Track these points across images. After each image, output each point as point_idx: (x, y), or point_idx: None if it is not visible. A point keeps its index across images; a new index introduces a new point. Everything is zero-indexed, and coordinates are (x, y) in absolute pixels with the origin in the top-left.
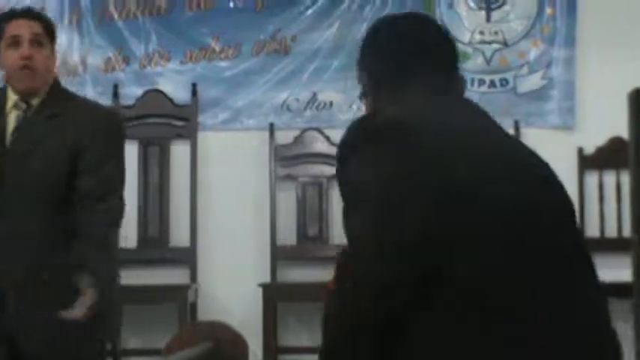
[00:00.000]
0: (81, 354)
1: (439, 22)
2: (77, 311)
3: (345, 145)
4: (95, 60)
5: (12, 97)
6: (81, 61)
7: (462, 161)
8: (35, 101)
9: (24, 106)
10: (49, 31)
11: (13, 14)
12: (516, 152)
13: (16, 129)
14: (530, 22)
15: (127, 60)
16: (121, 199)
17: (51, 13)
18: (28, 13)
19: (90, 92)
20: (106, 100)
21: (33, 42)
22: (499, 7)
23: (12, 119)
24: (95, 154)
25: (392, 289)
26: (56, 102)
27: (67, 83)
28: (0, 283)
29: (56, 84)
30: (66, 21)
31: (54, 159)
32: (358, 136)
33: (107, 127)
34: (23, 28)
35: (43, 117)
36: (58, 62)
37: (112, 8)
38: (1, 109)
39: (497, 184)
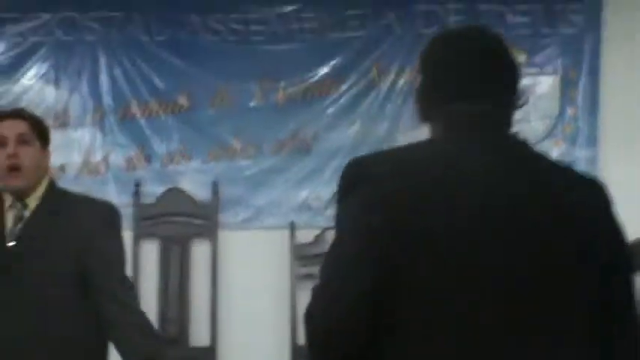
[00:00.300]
0: None
1: (497, 39)
2: None
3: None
4: (117, 158)
5: (8, 198)
6: (103, 159)
7: (411, 210)
8: (30, 200)
9: (19, 205)
10: (36, 130)
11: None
12: (513, 202)
13: (16, 229)
14: (551, 122)
15: (148, 158)
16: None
17: (74, 112)
18: (13, 114)
19: (112, 190)
20: (127, 199)
21: (19, 141)
22: (520, 106)
23: (9, 219)
24: (103, 243)
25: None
26: (53, 201)
27: (89, 182)
28: None
29: (51, 183)
30: (88, 120)
31: (57, 258)
32: (339, 181)
33: (108, 216)
34: (8, 129)
35: (41, 216)
36: (79, 161)
37: (134, 107)
38: None
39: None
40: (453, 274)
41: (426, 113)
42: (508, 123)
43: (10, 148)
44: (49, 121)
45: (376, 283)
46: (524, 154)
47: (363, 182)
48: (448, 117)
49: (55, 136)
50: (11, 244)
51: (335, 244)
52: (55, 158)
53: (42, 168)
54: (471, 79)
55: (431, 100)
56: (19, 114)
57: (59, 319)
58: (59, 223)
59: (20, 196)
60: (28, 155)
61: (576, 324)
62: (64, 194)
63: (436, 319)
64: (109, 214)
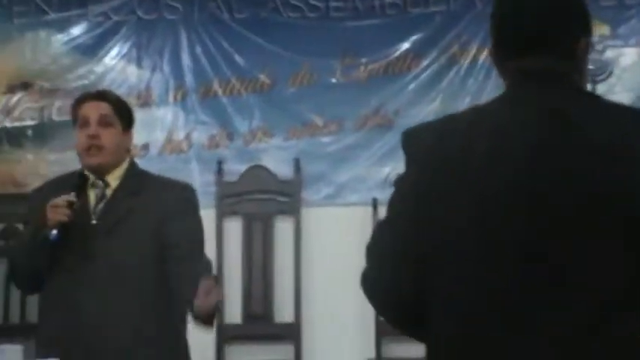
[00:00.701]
0: None
1: None
2: (213, 296)
3: None
4: (199, 136)
5: (91, 177)
6: (185, 137)
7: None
8: (111, 179)
9: (101, 184)
10: (118, 111)
11: (84, 97)
12: (547, 164)
13: (98, 207)
14: (636, 94)
15: (230, 136)
16: None
17: (157, 90)
18: (97, 95)
19: (194, 168)
20: (209, 177)
21: (101, 122)
22: (605, 79)
23: (91, 197)
24: (182, 222)
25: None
26: (133, 181)
27: (172, 160)
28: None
29: (132, 164)
30: (171, 99)
31: (137, 236)
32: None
33: (187, 197)
34: (91, 110)
35: (122, 196)
36: (162, 140)
37: (215, 85)
38: (80, 188)
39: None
40: (488, 240)
41: (499, 74)
42: (569, 75)
43: (92, 129)
44: (132, 101)
45: (418, 245)
46: (584, 111)
47: (412, 151)
48: (508, 75)
49: (138, 115)
50: (94, 222)
51: (387, 208)
52: (138, 137)
53: (122, 149)
54: (530, 32)
55: (497, 59)
56: (102, 96)
57: (141, 296)
58: (139, 203)
59: (101, 175)
60: (108, 136)
61: (609, 283)
62: (144, 175)
63: (472, 278)
64: (187, 195)
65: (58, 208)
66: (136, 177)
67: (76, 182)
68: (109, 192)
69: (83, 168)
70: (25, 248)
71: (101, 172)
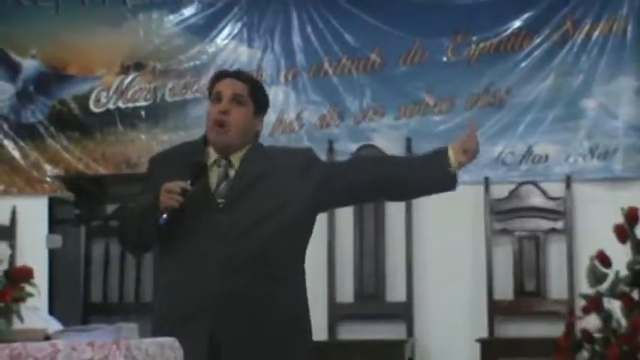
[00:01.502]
0: None
1: None
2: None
3: None
4: (310, 116)
5: (212, 155)
6: (297, 117)
7: None
8: (235, 158)
9: (224, 162)
10: (252, 93)
11: (222, 74)
12: None
13: (221, 187)
14: None
15: (341, 115)
16: None
17: (268, 70)
18: (235, 74)
19: None
20: (321, 156)
21: (233, 100)
22: None
23: (213, 175)
24: (317, 173)
25: None
26: (259, 161)
27: (284, 140)
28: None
29: (257, 146)
30: (282, 79)
31: (265, 208)
32: None
33: (314, 157)
34: (226, 86)
35: (246, 177)
36: (273, 120)
37: (326, 65)
38: (198, 178)
39: None
40: None
41: None
42: None
43: (223, 105)
44: None
45: None
46: None
47: None
48: None
49: None
50: (220, 201)
51: None
52: None
53: (251, 131)
54: None
55: None
56: (239, 75)
57: (273, 279)
58: (264, 175)
59: (225, 154)
60: (238, 114)
61: None
62: (266, 150)
63: None
64: (313, 155)
65: (172, 194)
66: (260, 157)
67: (194, 171)
68: (232, 172)
69: (208, 143)
70: (135, 222)
71: (226, 150)
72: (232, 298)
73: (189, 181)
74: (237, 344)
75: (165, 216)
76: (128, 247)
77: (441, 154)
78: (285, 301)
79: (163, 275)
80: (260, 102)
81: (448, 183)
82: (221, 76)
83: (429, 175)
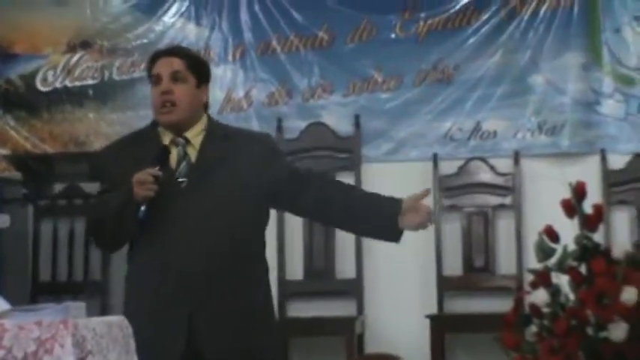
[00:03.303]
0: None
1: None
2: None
3: None
4: (259, 94)
5: (167, 135)
6: (245, 95)
7: None
8: (190, 135)
9: (182, 141)
10: (191, 66)
11: (157, 54)
12: None
13: (182, 166)
14: None
15: (290, 93)
16: None
17: (216, 49)
18: (169, 51)
19: (255, 126)
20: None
21: (172, 78)
22: None
23: (173, 155)
24: (283, 165)
25: None
26: (216, 137)
27: (232, 118)
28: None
29: (210, 119)
30: (230, 57)
31: (229, 186)
32: None
33: (273, 146)
34: (164, 66)
35: (208, 153)
36: (221, 98)
37: (274, 42)
38: (163, 161)
39: None
40: None
41: None
42: None
43: (164, 85)
44: None
45: None
46: None
47: None
48: None
49: None
50: (182, 180)
51: None
52: None
53: (198, 104)
54: None
55: None
56: (173, 51)
57: (232, 247)
58: (225, 158)
59: (178, 132)
60: (180, 91)
61: None
62: (224, 128)
63: None
64: (273, 145)
65: (146, 184)
66: (216, 133)
67: (160, 156)
68: (190, 150)
69: (158, 125)
70: (113, 217)
71: (178, 128)
72: (206, 278)
73: (157, 167)
74: (214, 325)
75: (143, 208)
76: (104, 245)
77: (396, 208)
78: (252, 282)
79: (134, 260)
80: (200, 73)
81: (394, 237)
82: (156, 56)
83: (379, 226)
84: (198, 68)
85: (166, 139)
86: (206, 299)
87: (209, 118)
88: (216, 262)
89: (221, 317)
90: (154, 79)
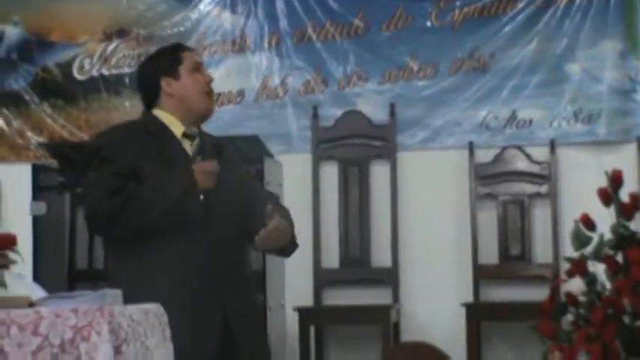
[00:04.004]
0: None
1: None
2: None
3: None
4: (295, 82)
5: (177, 126)
6: (281, 83)
7: None
8: (203, 127)
9: (197, 131)
10: None
11: (182, 46)
12: None
13: (197, 159)
14: None
15: (325, 81)
16: None
17: (251, 36)
18: (190, 48)
19: (290, 114)
20: (305, 122)
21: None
22: None
23: (187, 147)
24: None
25: None
26: (206, 134)
27: (268, 106)
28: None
29: None
30: (266, 44)
31: (238, 186)
32: None
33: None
34: (199, 57)
35: (210, 149)
36: (257, 86)
37: (310, 30)
38: (153, 134)
39: None
40: None
41: None
42: None
43: (208, 75)
44: (227, 47)
45: None
46: None
47: None
48: None
49: (234, 62)
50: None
51: None
52: (234, 83)
53: None
54: None
55: None
56: (192, 49)
57: (247, 256)
58: (222, 163)
59: (200, 123)
60: None
61: None
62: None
63: None
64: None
65: (211, 176)
66: (204, 131)
67: (215, 151)
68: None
69: (166, 113)
70: (171, 205)
71: (204, 120)
72: (229, 274)
73: (216, 162)
74: (243, 320)
75: (202, 197)
76: (126, 234)
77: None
78: (252, 280)
79: (152, 252)
80: None
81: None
82: (183, 47)
83: None
84: None
85: (176, 130)
86: (233, 296)
87: None
88: (235, 259)
89: (245, 315)
90: (194, 66)
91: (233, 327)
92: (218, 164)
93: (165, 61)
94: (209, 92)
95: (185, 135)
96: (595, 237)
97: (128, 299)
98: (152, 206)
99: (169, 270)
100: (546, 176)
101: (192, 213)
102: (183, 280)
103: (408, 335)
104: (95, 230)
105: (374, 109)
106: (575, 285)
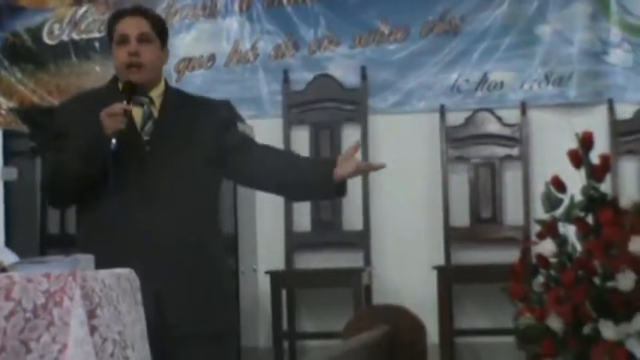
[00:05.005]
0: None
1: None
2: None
3: None
4: (265, 46)
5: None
6: (251, 47)
7: None
8: (154, 95)
9: (146, 100)
10: (156, 28)
11: (121, 13)
12: None
13: (147, 125)
14: None
15: (296, 45)
16: None
17: (222, 1)
18: (135, 11)
19: (261, 78)
20: (276, 86)
21: (140, 39)
22: None
23: (137, 113)
24: (233, 136)
25: None
26: (177, 98)
27: (239, 70)
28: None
29: (170, 87)
30: (236, 8)
31: (191, 150)
32: None
33: (230, 114)
34: (131, 27)
35: (171, 113)
36: (228, 50)
37: None
38: (130, 96)
39: None
40: None
41: None
42: None
43: (132, 46)
44: (198, 12)
45: None
46: None
47: None
48: None
49: (204, 26)
50: (147, 138)
51: None
52: (205, 47)
53: (161, 66)
54: None
55: None
56: (140, 12)
57: (195, 205)
58: (187, 121)
59: (142, 92)
60: (148, 53)
61: None
62: (182, 92)
63: None
64: (229, 112)
65: (116, 116)
66: (176, 94)
67: (127, 90)
68: (154, 109)
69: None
70: (80, 157)
71: (142, 89)
72: (172, 246)
73: (124, 102)
74: (180, 298)
75: (114, 141)
76: (60, 195)
77: (329, 164)
78: (212, 253)
79: (92, 211)
80: (163, 35)
81: (330, 190)
82: (120, 15)
83: (316, 182)
84: (162, 30)
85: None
86: (172, 269)
87: (166, 81)
88: (182, 229)
89: (186, 290)
90: (119, 39)
91: (166, 307)
92: (181, 118)
93: (107, 35)
94: (131, 64)
95: (135, 101)
96: (566, 199)
97: None
98: (68, 159)
99: (108, 231)
100: (517, 139)
101: (105, 157)
102: (121, 242)
103: (379, 298)
104: (48, 202)
105: (345, 73)
106: (546, 247)
